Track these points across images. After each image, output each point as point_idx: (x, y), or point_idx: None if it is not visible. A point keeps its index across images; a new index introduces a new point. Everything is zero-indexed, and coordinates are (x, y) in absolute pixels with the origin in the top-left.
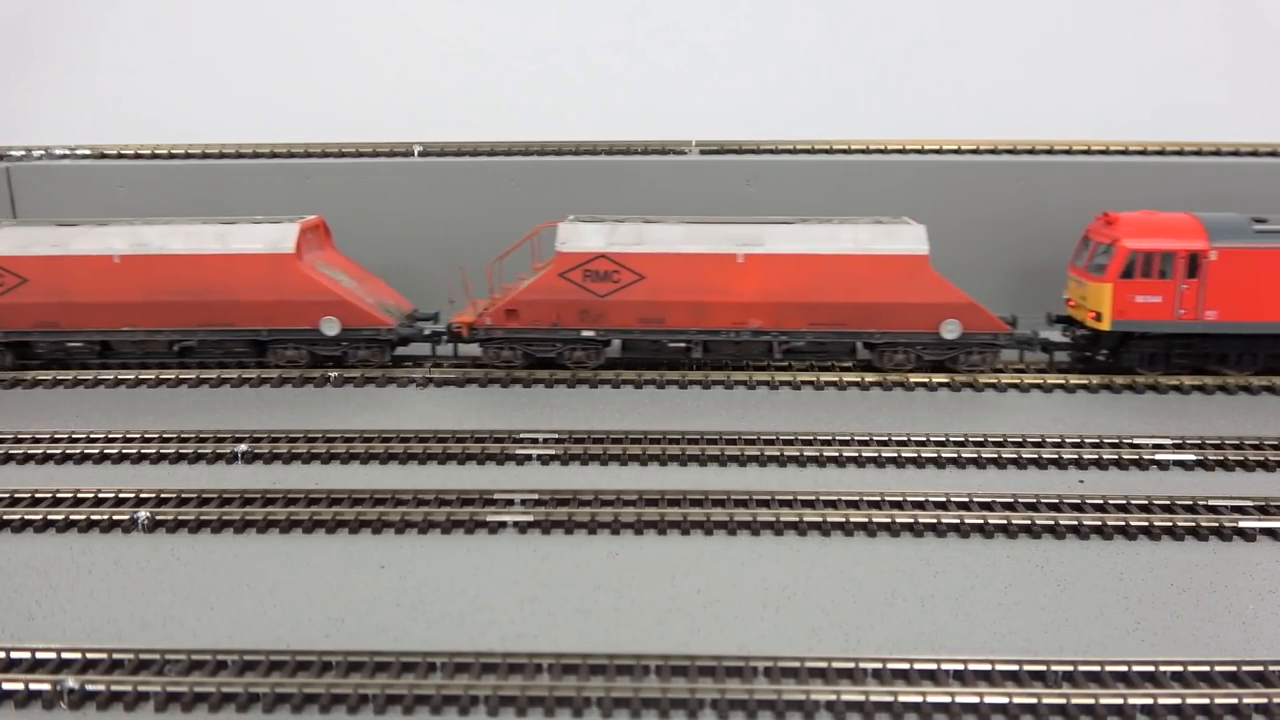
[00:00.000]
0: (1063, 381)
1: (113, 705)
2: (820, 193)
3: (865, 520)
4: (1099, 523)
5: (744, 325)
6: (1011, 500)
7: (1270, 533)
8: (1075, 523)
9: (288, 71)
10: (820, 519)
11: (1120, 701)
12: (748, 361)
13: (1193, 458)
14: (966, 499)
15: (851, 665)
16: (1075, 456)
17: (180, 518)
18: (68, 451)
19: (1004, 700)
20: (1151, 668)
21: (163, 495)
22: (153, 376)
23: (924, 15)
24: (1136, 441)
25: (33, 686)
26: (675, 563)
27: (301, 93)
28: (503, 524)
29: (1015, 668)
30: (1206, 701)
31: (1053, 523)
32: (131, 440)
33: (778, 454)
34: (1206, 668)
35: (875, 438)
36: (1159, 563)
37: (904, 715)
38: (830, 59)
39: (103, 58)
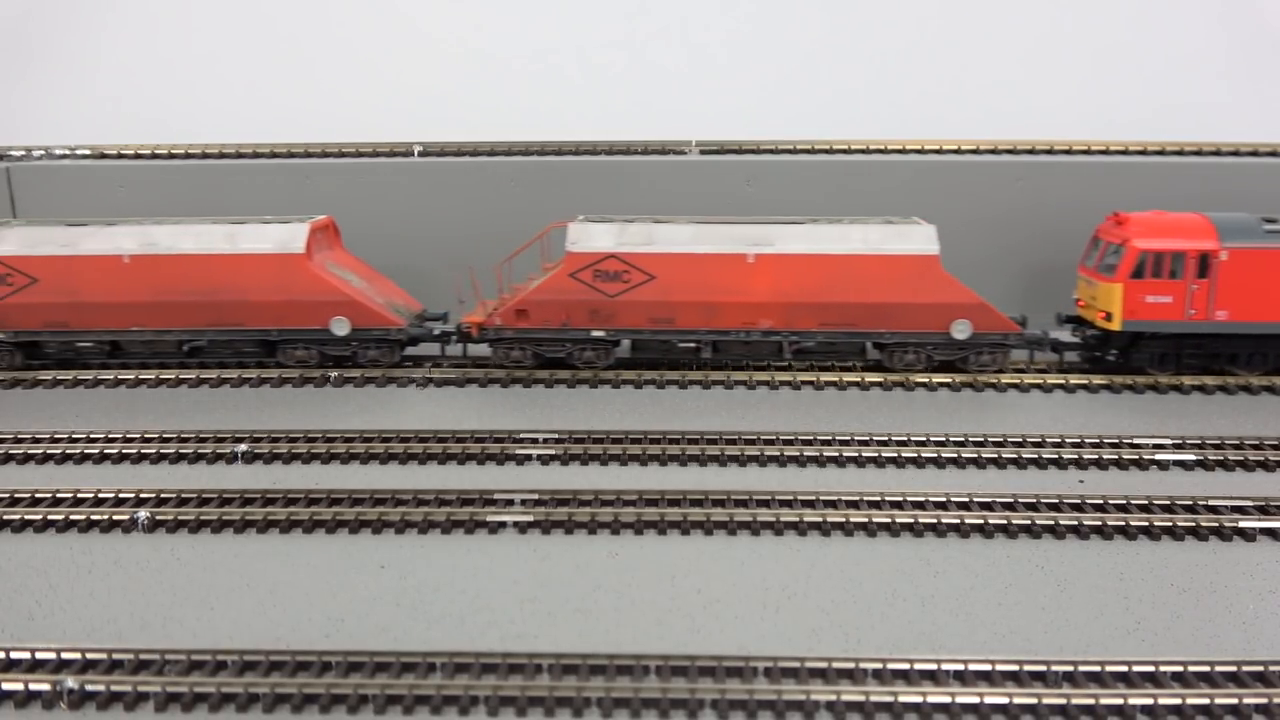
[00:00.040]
0: (1063, 381)
1: (113, 705)
2: (820, 193)
3: (865, 520)
4: (1099, 523)
5: (754, 325)
6: (1011, 500)
7: (1270, 533)
8: (1075, 523)
9: (288, 71)
10: (820, 519)
11: (1120, 702)
12: (757, 362)
13: (1193, 458)
14: (967, 499)
15: (851, 665)
16: (1075, 456)
17: (180, 518)
18: (68, 451)
19: (1004, 700)
20: (1152, 668)
21: (163, 495)
22: (153, 376)
23: (924, 15)
24: (1136, 441)
25: (33, 686)
26: (675, 563)
27: (301, 93)
28: (503, 524)
29: (1015, 668)
30: (1207, 702)
31: (1053, 523)
32: (132, 440)
33: (778, 454)
34: (1207, 668)
35: (875, 438)
36: (1159, 563)
37: (904, 715)
38: (830, 59)
39: (103, 58)
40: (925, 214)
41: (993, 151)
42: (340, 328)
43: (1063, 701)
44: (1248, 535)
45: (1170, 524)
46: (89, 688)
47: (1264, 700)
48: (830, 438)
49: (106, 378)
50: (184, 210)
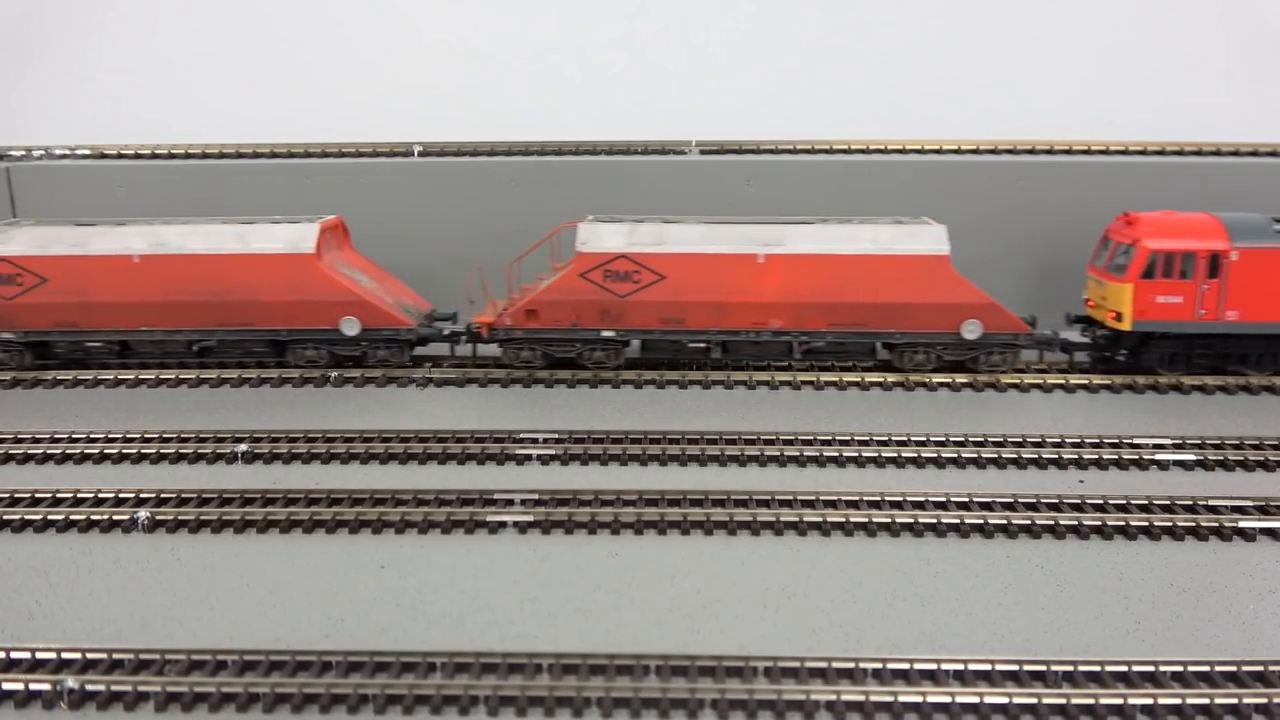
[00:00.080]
0: (1063, 381)
1: (113, 705)
2: (821, 193)
3: (865, 520)
4: (1099, 523)
5: (764, 325)
6: (1011, 500)
7: (1270, 533)
8: (1075, 523)
9: (288, 71)
10: (820, 519)
11: (1120, 701)
12: (767, 361)
13: (1193, 458)
14: (966, 499)
15: (851, 665)
16: (1075, 456)
17: (180, 518)
18: (68, 451)
19: (1004, 700)
20: (1151, 668)
21: (163, 495)
22: (153, 376)
23: (924, 15)
24: (1136, 441)
25: (33, 686)
26: (675, 563)
27: (301, 93)
28: (503, 524)
29: (1015, 668)
30: (1206, 701)
31: (1053, 523)
32: (132, 440)
33: (778, 454)
34: (1206, 668)
35: (875, 438)
36: (1159, 563)
37: (904, 715)
38: (830, 59)
39: (103, 58)
40: (925, 214)
41: (993, 151)
42: (350, 328)
43: (1062, 701)
44: (1248, 535)
45: (1170, 524)
46: (89, 688)
47: (1264, 700)
48: (830, 438)
49: (107, 377)
50: (184, 210)
